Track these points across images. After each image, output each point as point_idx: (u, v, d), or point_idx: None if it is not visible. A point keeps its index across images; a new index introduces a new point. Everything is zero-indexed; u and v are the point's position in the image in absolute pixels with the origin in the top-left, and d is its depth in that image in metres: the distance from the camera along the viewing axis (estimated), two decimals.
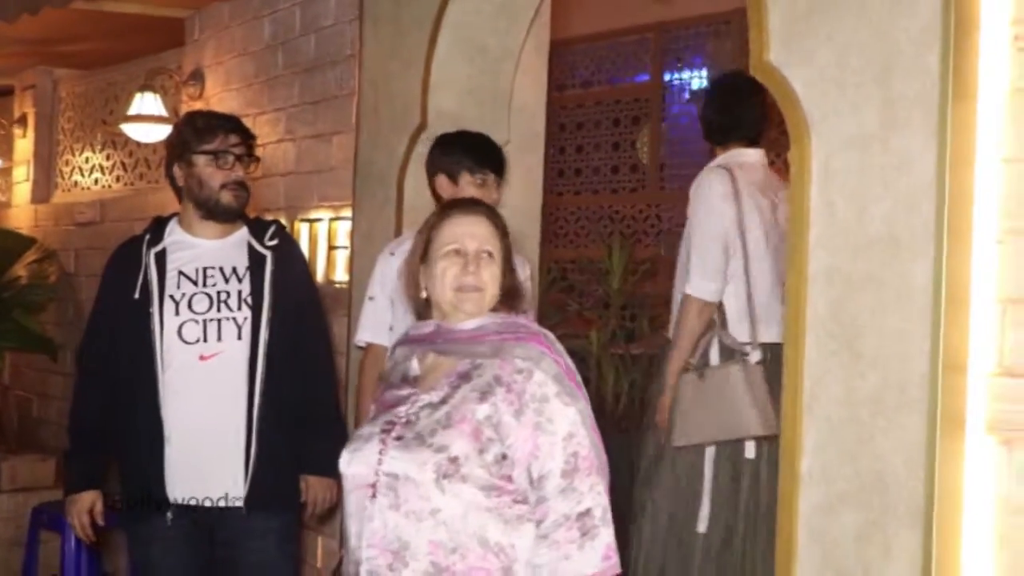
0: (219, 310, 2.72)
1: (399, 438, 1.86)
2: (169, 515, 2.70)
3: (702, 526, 3.18)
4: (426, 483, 1.81)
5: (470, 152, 2.96)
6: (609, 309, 6.76)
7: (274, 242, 2.81)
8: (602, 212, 7.94)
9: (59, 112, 6.08)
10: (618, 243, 6.62)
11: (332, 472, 2.68)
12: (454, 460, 1.80)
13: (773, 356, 3.01)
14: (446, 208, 2.04)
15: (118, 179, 5.57)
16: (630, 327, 7.06)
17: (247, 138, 2.83)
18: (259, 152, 4.21)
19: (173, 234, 2.80)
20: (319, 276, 3.97)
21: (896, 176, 2.06)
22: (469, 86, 3.44)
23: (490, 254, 1.94)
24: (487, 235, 1.96)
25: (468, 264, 1.93)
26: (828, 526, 2.17)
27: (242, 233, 2.81)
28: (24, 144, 6.23)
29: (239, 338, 2.71)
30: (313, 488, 2.82)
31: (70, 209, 5.78)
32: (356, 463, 1.90)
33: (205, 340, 2.70)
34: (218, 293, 2.74)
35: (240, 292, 2.74)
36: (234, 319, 2.72)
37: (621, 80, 7.69)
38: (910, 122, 2.03)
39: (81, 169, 5.87)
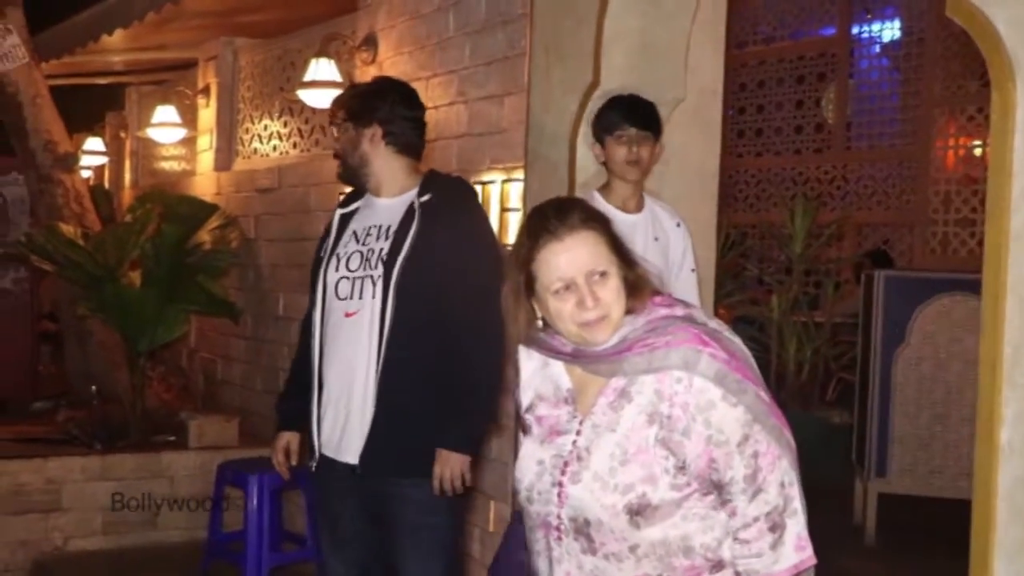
0: (364, 268, 2.80)
1: (576, 479, 1.76)
2: (313, 463, 2.86)
3: None
4: (620, 526, 1.73)
5: (608, 111, 2.99)
6: (791, 275, 6.61)
7: (425, 197, 2.80)
8: (784, 174, 7.75)
9: (239, 81, 6.35)
10: (801, 206, 6.46)
11: (463, 448, 2.72)
12: (642, 496, 1.72)
13: None
14: (531, 232, 1.78)
15: (295, 146, 5.79)
16: (813, 293, 6.89)
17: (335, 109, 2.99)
18: (431, 115, 4.37)
19: (367, 196, 2.96)
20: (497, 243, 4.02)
21: None
22: (643, 42, 3.41)
23: (603, 273, 1.74)
24: (591, 252, 1.74)
25: (585, 300, 1.73)
26: None
27: (414, 191, 2.86)
28: (207, 114, 6.55)
29: (373, 297, 2.76)
30: (440, 462, 2.73)
31: (250, 176, 6.05)
32: (537, 501, 1.81)
33: (351, 297, 2.80)
34: (367, 251, 2.82)
35: (382, 250, 2.79)
36: (371, 277, 2.78)
37: (805, 34, 7.46)
38: None
39: (260, 137, 6.13)
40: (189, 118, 6.72)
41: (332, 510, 2.92)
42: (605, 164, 3.19)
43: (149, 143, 7.60)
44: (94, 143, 8.35)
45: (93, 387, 5.75)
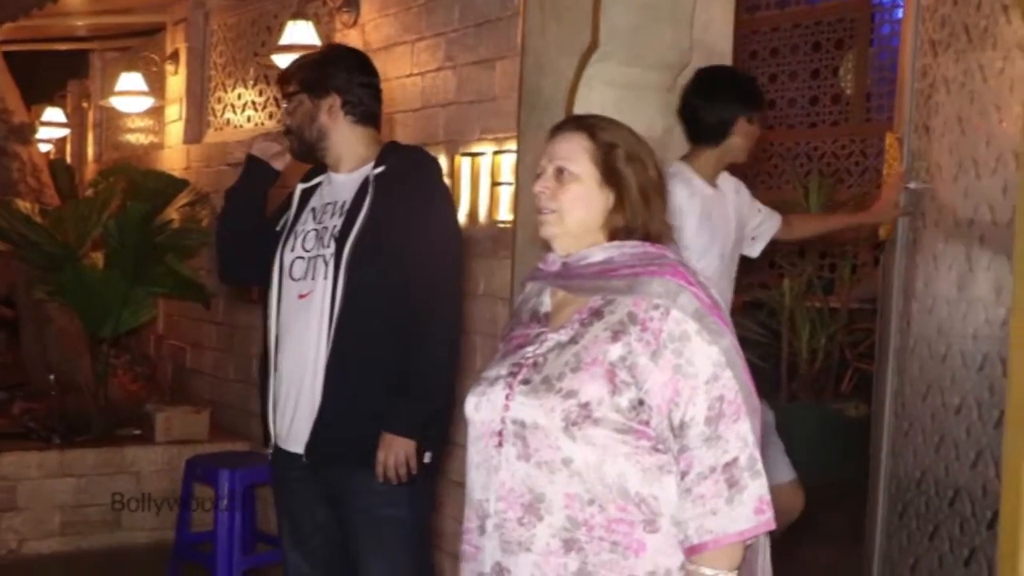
0: (318, 247, 2.78)
1: (526, 381, 1.85)
2: (268, 451, 2.86)
3: None
4: (555, 431, 1.79)
5: (748, 87, 3.29)
6: (805, 257, 6.58)
7: (379, 170, 2.77)
8: (798, 148, 7.71)
9: (211, 47, 6.30)
10: (816, 182, 6.43)
11: (408, 432, 2.69)
12: (584, 406, 1.78)
13: None
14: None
15: (271, 116, 5.74)
16: (828, 277, 6.86)
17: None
18: (416, 81, 4.33)
19: (328, 171, 2.92)
20: (481, 215, 3.99)
21: None
22: (646, 1, 3.36)
23: (571, 174, 1.88)
24: (570, 151, 1.90)
25: (541, 180, 1.91)
26: None
27: (370, 164, 2.83)
28: (176, 81, 6.49)
29: (325, 277, 2.75)
30: (384, 447, 2.69)
31: (222, 149, 5.99)
32: (483, 408, 1.89)
33: (304, 278, 2.79)
34: (322, 229, 2.80)
35: (334, 227, 2.77)
36: (323, 256, 2.76)
37: None
38: None
39: (233, 106, 6.08)
40: (157, 86, 6.66)
41: (288, 503, 2.91)
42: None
43: (114, 114, 7.55)
44: (54, 114, 8.30)
45: (52, 377, 5.70)
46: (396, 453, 2.69)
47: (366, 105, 2.90)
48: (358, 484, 2.74)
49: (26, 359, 6.50)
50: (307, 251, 2.80)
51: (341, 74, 2.87)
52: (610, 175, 1.89)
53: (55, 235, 5.34)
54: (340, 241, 2.73)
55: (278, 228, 2.89)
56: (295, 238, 2.84)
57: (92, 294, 5.37)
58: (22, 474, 5.01)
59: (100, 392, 5.45)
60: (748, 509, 1.75)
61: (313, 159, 2.92)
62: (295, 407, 2.79)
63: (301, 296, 2.78)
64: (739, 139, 3.37)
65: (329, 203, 2.84)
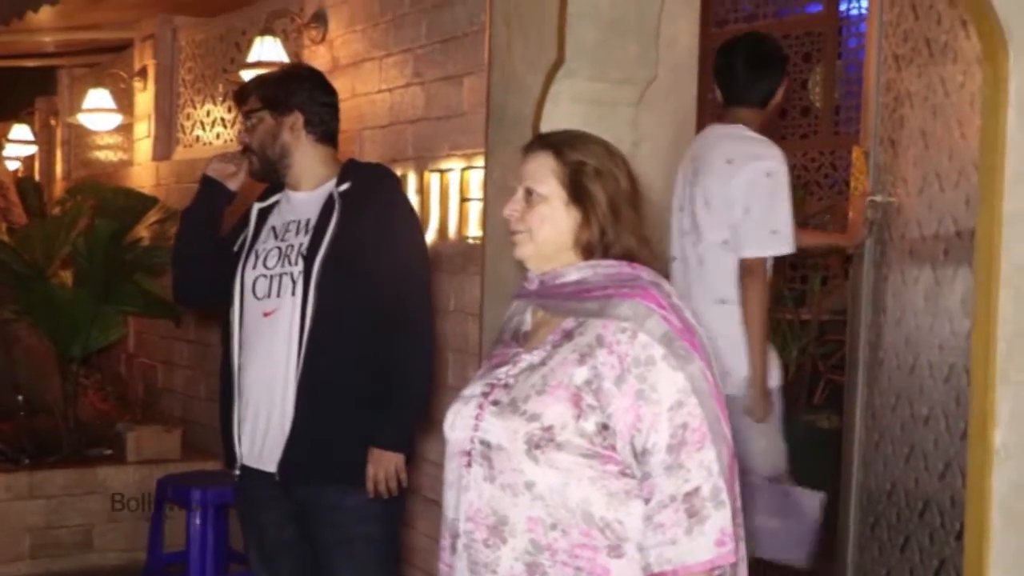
0: (283, 265, 2.79)
1: (496, 403, 1.84)
2: (236, 472, 2.84)
3: None
4: (517, 454, 1.78)
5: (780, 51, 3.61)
6: (775, 270, 6.61)
7: (344, 187, 2.79)
8: None
9: (179, 63, 6.30)
10: None
11: (396, 446, 2.73)
12: (548, 429, 1.77)
13: None
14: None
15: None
16: (800, 289, 6.89)
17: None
18: (385, 97, 4.34)
19: (285, 190, 2.93)
20: (451, 231, 4.00)
21: None
22: (611, 16, 3.39)
23: (539, 195, 1.89)
24: (536, 171, 1.90)
25: (512, 203, 1.91)
26: None
27: (332, 182, 2.84)
28: (145, 98, 6.48)
29: (293, 294, 2.75)
30: (373, 462, 2.72)
31: (192, 166, 5.98)
32: (457, 427, 1.89)
33: (269, 296, 2.79)
34: (287, 247, 2.81)
35: (301, 245, 2.78)
36: (291, 274, 2.77)
37: (790, 12, 7.48)
38: None
39: (202, 123, 6.07)
40: (125, 103, 6.64)
41: (257, 523, 2.90)
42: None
43: (82, 131, 7.52)
44: (21, 131, 8.26)
45: (20, 397, 5.66)
46: (386, 467, 2.72)
47: (327, 123, 2.91)
48: (330, 501, 2.75)
49: None
50: (269, 269, 2.80)
51: (303, 92, 2.88)
52: (577, 193, 1.88)
53: (22, 254, 5.32)
54: (308, 259, 2.73)
55: (236, 248, 2.88)
56: (256, 257, 2.83)
57: (61, 313, 5.34)
58: None
59: (70, 412, 5.41)
60: (709, 540, 1.73)
61: (273, 177, 2.92)
62: (266, 425, 2.78)
63: (266, 314, 2.78)
64: (777, 102, 3.61)
65: (291, 221, 2.85)
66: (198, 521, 4.53)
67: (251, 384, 2.80)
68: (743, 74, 3.50)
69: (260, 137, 2.88)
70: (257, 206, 2.92)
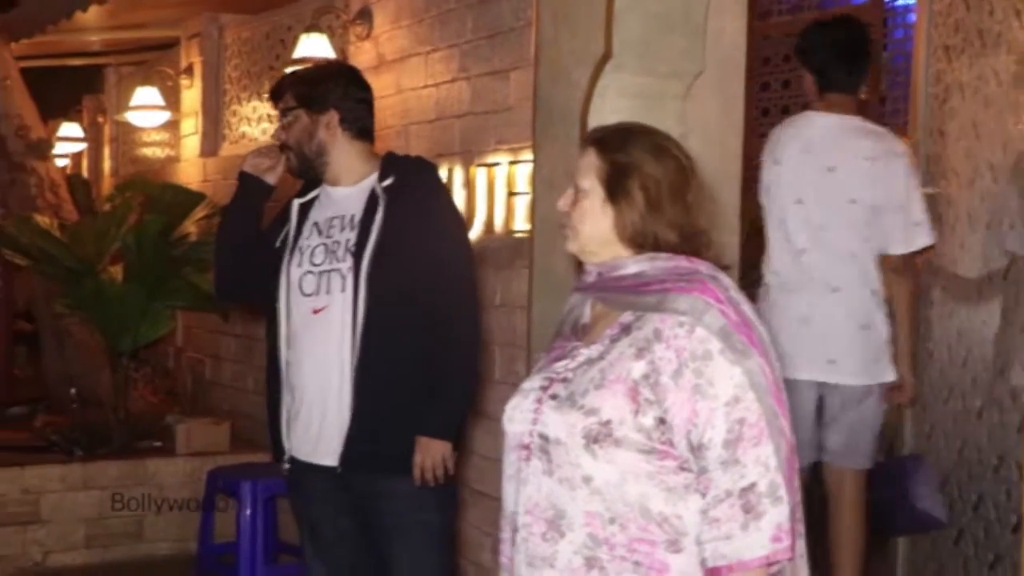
0: (330, 262, 2.82)
1: (554, 397, 1.85)
2: (286, 466, 2.88)
3: None
4: (575, 448, 1.79)
5: None
6: None
7: (388, 182, 2.82)
8: None
9: (225, 60, 6.35)
10: None
11: (443, 434, 2.77)
12: (605, 424, 1.77)
13: None
14: None
15: None
16: None
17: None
18: (431, 92, 4.37)
19: (323, 186, 2.95)
20: (497, 226, 4.02)
21: None
22: (658, 9, 3.38)
23: (581, 189, 1.91)
24: (581, 167, 1.92)
25: (564, 196, 1.94)
26: None
27: (373, 177, 2.88)
28: (191, 95, 6.54)
29: (343, 291, 2.78)
30: (421, 450, 2.77)
31: (238, 162, 5.98)
32: (516, 420, 1.90)
33: (317, 293, 2.82)
34: (332, 243, 2.84)
35: (348, 241, 2.81)
36: (339, 271, 2.80)
37: (835, 3, 7.42)
38: None
39: (248, 119, 6.13)
40: (172, 100, 6.72)
41: (310, 516, 2.94)
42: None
43: (129, 128, 7.60)
44: (70, 129, 8.36)
45: (72, 390, 5.76)
46: (433, 455, 2.76)
47: (362, 120, 2.94)
48: (390, 490, 2.79)
49: (46, 373, 6.55)
50: (317, 266, 2.83)
51: (338, 89, 2.90)
52: (613, 190, 1.89)
53: (74, 249, 5.40)
54: (357, 255, 2.76)
55: (277, 244, 2.91)
56: (301, 253, 2.86)
57: (111, 308, 5.42)
58: (45, 487, 5.05)
59: (120, 405, 5.49)
60: (765, 536, 1.73)
61: (311, 175, 2.94)
62: (320, 419, 2.81)
63: (316, 311, 2.81)
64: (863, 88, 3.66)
65: (334, 217, 2.87)
66: (248, 512, 4.58)
67: (304, 380, 2.83)
68: (843, 58, 3.55)
69: (296, 135, 2.91)
70: (297, 202, 2.94)
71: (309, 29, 4.89)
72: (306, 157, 2.91)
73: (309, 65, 3.02)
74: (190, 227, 5.61)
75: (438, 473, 2.78)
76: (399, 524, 2.81)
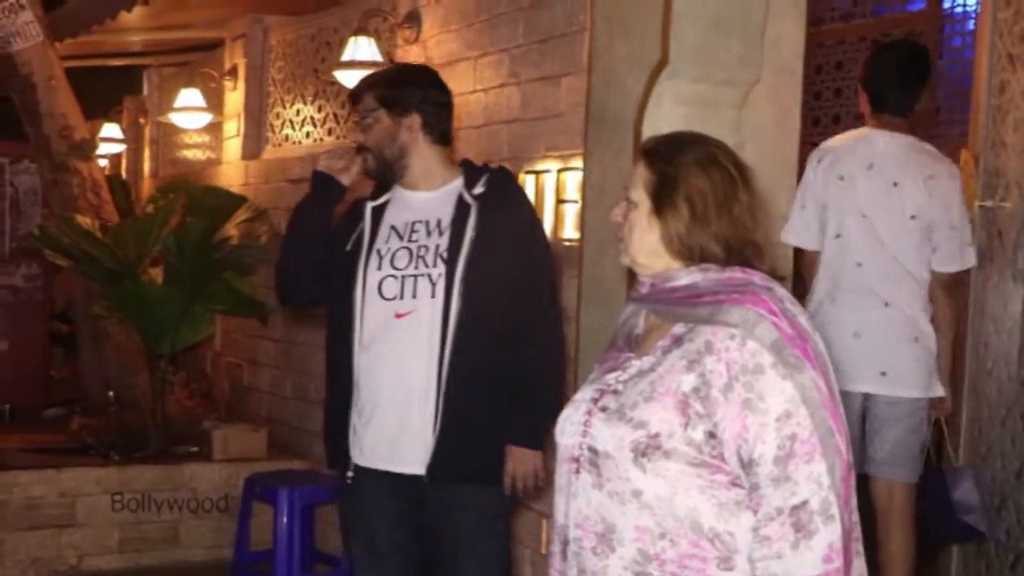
0: (416, 266, 2.82)
1: (604, 409, 1.85)
2: (350, 474, 2.88)
3: None
4: (624, 461, 1.78)
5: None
6: None
7: (480, 190, 2.85)
8: None
9: (269, 62, 6.38)
10: None
11: (535, 444, 2.81)
12: (654, 437, 1.76)
13: None
14: None
15: (330, 132, 5.80)
16: None
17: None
18: (479, 98, 4.36)
19: (396, 189, 2.96)
20: (547, 234, 4.00)
21: None
22: (716, 15, 3.36)
23: (631, 201, 1.92)
24: (634, 179, 1.93)
25: (618, 206, 1.95)
26: None
27: (456, 183, 2.89)
28: (235, 97, 6.58)
29: (432, 296, 2.80)
30: (513, 460, 2.82)
31: (281, 165, 6.07)
32: (567, 432, 1.91)
33: (401, 297, 2.82)
34: (418, 248, 2.85)
35: (438, 247, 2.82)
36: (429, 276, 2.81)
37: (890, 9, 7.35)
38: None
39: (292, 122, 6.15)
40: (214, 102, 6.75)
41: (369, 524, 2.94)
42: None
43: (170, 129, 7.66)
44: (111, 129, 8.43)
45: (110, 393, 5.79)
46: (525, 465, 2.82)
47: (443, 124, 2.97)
48: (469, 500, 2.82)
49: (83, 375, 6.60)
50: (400, 270, 2.84)
51: (420, 93, 2.93)
52: (659, 203, 1.89)
53: (115, 251, 5.43)
54: (450, 261, 2.79)
55: (348, 247, 2.91)
56: (379, 257, 2.87)
57: (151, 310, 5.45)
58: (81, 490, 5.09)
59: (158, 409, 5.52)
60: (817, 556, 1.70)
61: (389, 178, 2.95)
62: (399, 426, 2.82)
63: (399, 315, 2.82)
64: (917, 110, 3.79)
65: (416, 221, 2.88)
66: (285, 520, 4.59)
67: (381, 385, 2.83)
68: (900, 83, 3.69)
69: (377, 137, 2.92)
70: (370, 204, 2.95)
71: (357, 32, 4.89)
72: (386, 160, 2.92)
73: (390, 67, 3.05)
74: (231, 230, 5.63)
75: (529, 483, 2.83)
76: (471, 535, 2.83)
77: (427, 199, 2.91)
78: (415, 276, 2.82)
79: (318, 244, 2.96)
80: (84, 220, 5.66)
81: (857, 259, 3.57)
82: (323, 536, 5.11)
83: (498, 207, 2.84)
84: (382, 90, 2.94)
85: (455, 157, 3.14)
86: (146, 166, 8.39)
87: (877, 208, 3.56)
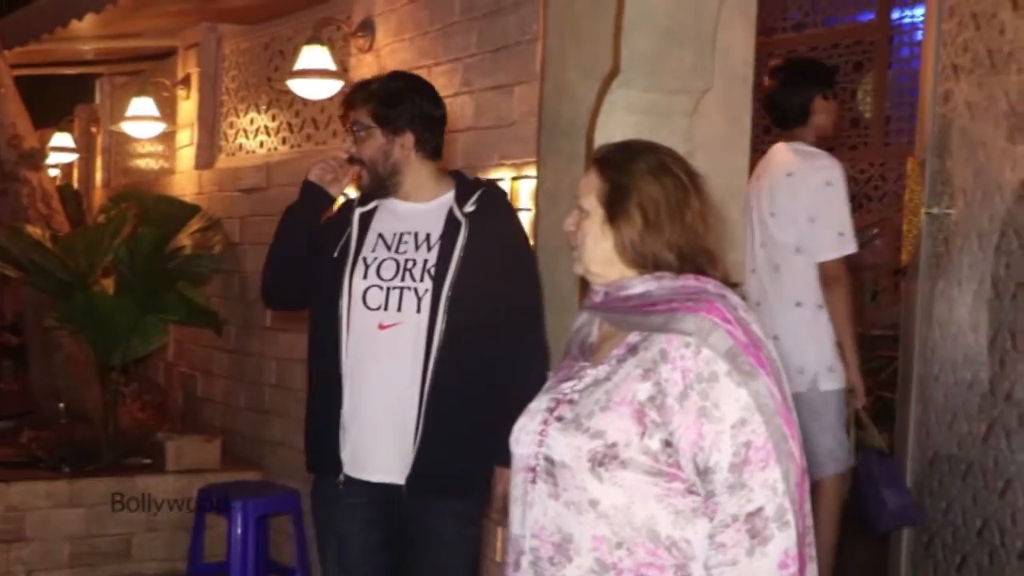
0: (403, 279, 2.84)
1: (560, 419, 1.86)
2: (341, 478, 2.89)
3: None
4: (581, 471, 1.80)
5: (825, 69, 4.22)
6: None
7: (471, 208, 2.88)
8: None
9: (223, 71, 6.37)
10: None
11: None
12: (611, 446, 1.78)
13: None
14: None
15: (284, 141, 5.80)
16: None
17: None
18: None
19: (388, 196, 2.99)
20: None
21: None
22: (668, 25, 3.41)
23: (583, 209, 1.95)
24: (583, 187, 1.97)
25: (570, 216, 1.98)
26: None
27: (447, 196, 2.92)
28: (188, 106, 6.56)
29: (418, 311, 2.82)
30: (502, 482, 2.81)
31: (235, 174, 6.06)
32: (523, 442, 1.92)
33: (386, 308, 2.84)
34: (406, 260, 2.87)
35: (426, 262, 2.84)
36: (415, 290, 2.83)
37: (840, 20, 7.48)
38: None
39: (246, 131, 6.15)
40: (167, 111, 6.73)
41: (340, 530, 2.96)
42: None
43: (123, 139, 7.61)
44: (62, 139, 8.36)
45: (60, 405, 5.75)
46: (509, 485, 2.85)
47: (436, 139, 3.00)
48: (446, 509, 2.86)
49: (34, 387, 6.53)
50: (385, 280, 2.86)
51: (415, 109, 2.95)
52: (612, 210, 1.91)
53: (66, 261, 5.40)
54: (438, 277, 2.81)
55: (335, 254, 2.93)
56: (365, 265, 2.89)
57: (102, 321, 5.42)
58: (30, 504, 5.04)
59: (110, 420, 5.48)
60: (772, 562, 1.72)
61: (381, 193, 2.98)
62: (376, 436, 2.85)
63: (383, 327, 2.84)
64: (821, 116, 3.98)
65: (405, 232, 2.91)
66: (239, 531, 4.59)
67: (363, 396, 2.85)
68: (774, 97, 4.02)
69: (371, 153, 2.95)
70: (359, 211, 2.98)
71: (310, 41, 4.90)
72: (379, 175, 2.95)
73: (384, 77, 3.04)
74: (184, 240, 5.62)
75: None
76: (447, 541, 2.88)
77: (417, 211, 2.93)
78: (401, 288, 2.84)
79: (303, 252, 2.99)
80: (34, 230, 5.62)
81: (751, 266, 3.93)
82: (278, 547, 5.11)
83: (488, 227, 2.87)
84: (376, 107, 2.94)
85: (455, 170, 3.19)
86: (98, 175, 8.34)
87: (754, 214, 3.91)
